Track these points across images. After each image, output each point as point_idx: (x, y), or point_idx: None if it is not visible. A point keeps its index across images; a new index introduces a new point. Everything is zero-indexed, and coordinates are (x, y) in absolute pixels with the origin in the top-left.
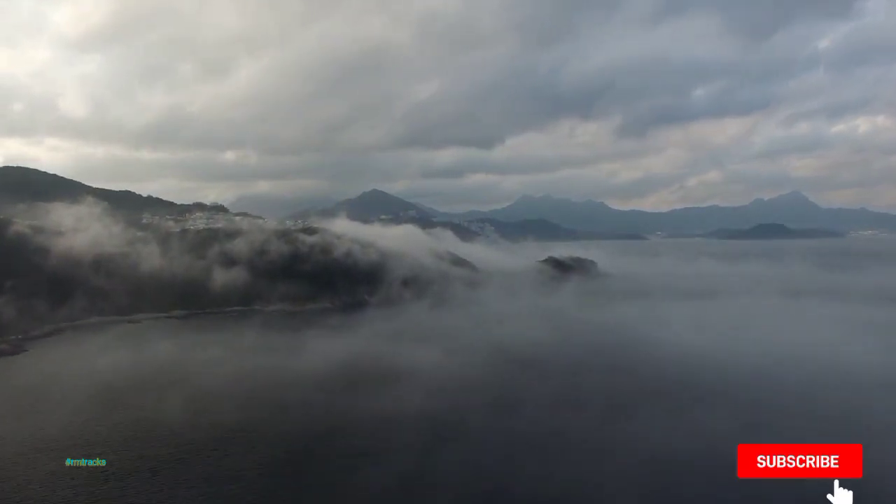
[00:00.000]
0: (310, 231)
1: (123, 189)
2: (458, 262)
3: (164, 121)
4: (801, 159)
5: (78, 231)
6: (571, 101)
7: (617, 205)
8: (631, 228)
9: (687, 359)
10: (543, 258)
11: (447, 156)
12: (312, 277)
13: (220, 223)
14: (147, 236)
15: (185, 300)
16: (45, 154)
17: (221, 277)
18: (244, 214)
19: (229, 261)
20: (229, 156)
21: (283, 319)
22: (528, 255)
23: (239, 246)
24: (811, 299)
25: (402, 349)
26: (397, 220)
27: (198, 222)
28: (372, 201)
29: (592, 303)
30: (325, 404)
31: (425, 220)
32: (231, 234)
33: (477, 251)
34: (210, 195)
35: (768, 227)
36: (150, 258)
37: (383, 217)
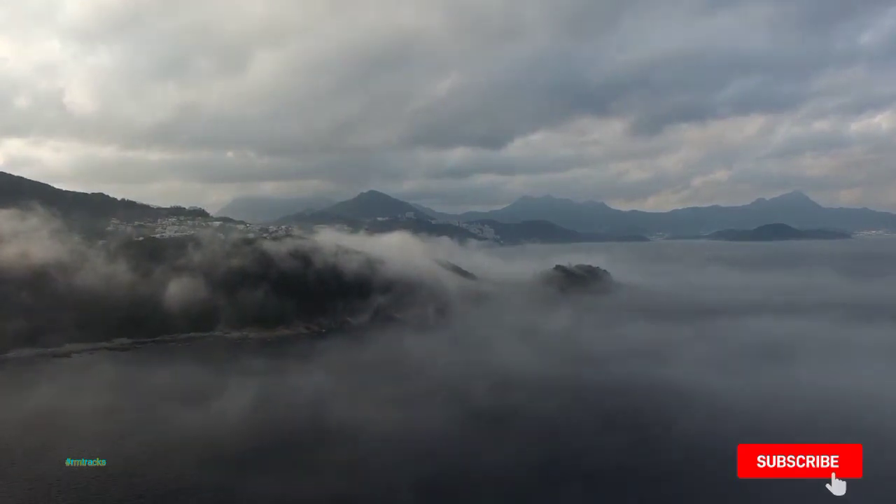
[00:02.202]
0: (284, 240)
1: (97, 191)
2: (456, 271)
3: (176, 119)
4: (816, 158)
5: (12, 241)
6: (594, 97)
7: (621, 205)
8: (632, 230)
9: (708, 416)
10: (551, 266)
11: (455, 155)
12: (287, 296)
13: (191, 230)
14: (101, 246)
15: (134, 326)
16: (48, 154)
17: (178, 297)
18: (225, 220)
19: (188, 276)
20: (237, 156)
21: (238, 349)
22: (530, 260)
23: (200, 258)
24: (850, 318)
25: (347, 394)
26: (394, 222)
27: (166, 230)
28: (369, 203)
29: (599, 323)
30: (206, 488)
31: (423, 223)
32: (196, 244)
33: (476, 258)
34: (212, 197)
35: (773, 227)
36: (97, 273)
37: (380, 219)
